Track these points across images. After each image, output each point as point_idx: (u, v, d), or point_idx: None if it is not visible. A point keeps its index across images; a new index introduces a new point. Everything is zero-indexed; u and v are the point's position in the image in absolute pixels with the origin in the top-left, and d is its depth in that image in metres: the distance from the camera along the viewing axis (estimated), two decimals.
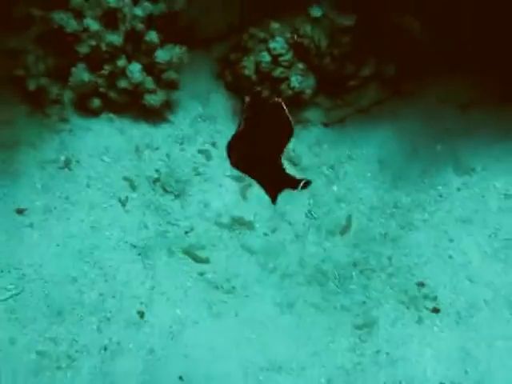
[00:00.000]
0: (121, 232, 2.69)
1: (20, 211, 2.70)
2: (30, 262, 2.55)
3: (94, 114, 3.00)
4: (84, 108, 3.00)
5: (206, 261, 2.63)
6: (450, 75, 2.94)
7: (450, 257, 2.54)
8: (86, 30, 2.62)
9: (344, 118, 3.00)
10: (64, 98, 2.98)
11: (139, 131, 3.02)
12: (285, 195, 2.80)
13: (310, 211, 2.76)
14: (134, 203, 2.78)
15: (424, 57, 2.91)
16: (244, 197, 2.80)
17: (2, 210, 2.71)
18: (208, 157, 2.96)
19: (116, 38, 2.64)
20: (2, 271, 2.51)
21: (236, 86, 3.01)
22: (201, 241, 2.69)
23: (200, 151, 2.99)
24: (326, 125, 3.01)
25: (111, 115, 3.03)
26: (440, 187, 2.72)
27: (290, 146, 2.98)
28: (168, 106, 2.99)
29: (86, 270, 2.56)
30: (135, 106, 3.01)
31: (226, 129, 3.11)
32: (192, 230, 2.72)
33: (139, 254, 2.63)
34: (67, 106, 3.00)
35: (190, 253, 2.64)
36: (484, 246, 2.52)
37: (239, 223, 2.73)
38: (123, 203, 2.76)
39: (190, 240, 2.69)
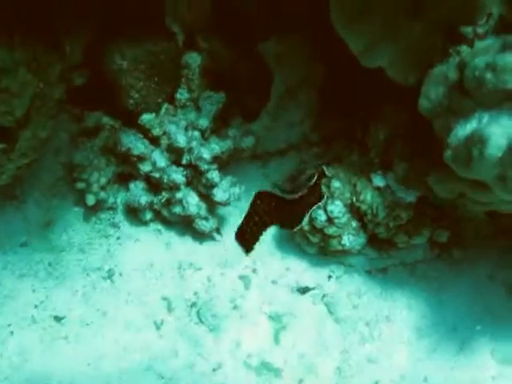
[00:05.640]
0: (151, 358, 2.73)
1: (58, 319, 2.76)
2: (60, 379, 2.60)
3: (144, 223, 3.05)
4: (135, 216, 3.04)
5: None
6: (503, 251, 2.90)
7: None
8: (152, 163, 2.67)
9: (387, 268, 2.98)
10: (118, 204, 3.04)
11: (185, 248, 3.06)
12: (317, 346, 2.81)
13: (338, 368, 2.76)
14: (168, 327, 2.82)
15: (478, 226, 2.88)
16: (277, 340, 2.81)
17: (41, 315, 2.77)
18: (247, 285, 2.98)
19: (180, 178, 2.69)
20: None
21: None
22: (226, 381, 2.71)
23: (240, 277, 3.01)
24: (368, 272, 3.00)
25: (160, 227, 3.08)
26: (475, 370, 2.69)
27: (331, 289, 2.99)
28: (217, 229, 3.01)
29: None
30: (185, 222, 3.05)
31: (268, 255, 3.13)
32: (220, 367, 2.74)
33: None
34: (119, 212, 3.06)
35: None
36: None
37: (267, 368, 2.75)
38: (158, 326, 2.80)
39: (217, 378, 2.72)
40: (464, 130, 1.91)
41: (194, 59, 2.96)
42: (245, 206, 3.19)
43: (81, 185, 2.79)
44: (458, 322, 2.79)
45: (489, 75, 1.76)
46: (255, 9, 3.02)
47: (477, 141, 1.82)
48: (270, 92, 3.21)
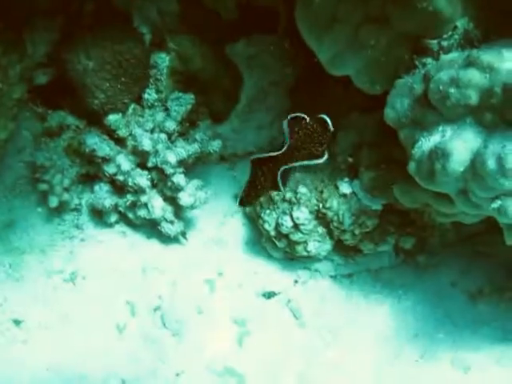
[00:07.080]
0: (113, 362, 2.69)
1: (17, 322, 2.70)
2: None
3: (109, 225, 3.00)
4: (100, 218, 2.99)
5: None
6: (466, 258, 2.92)
7: None
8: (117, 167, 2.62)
9: (352, 274, 2.99)
10: (82, 205, 2.98)
11: (150, 250, 3.03)
12: (281, 351, 2.79)
13: (302, 373, 2.75)
14: (131, 332, 2.79)
15: (443, 233, 2.90)
16: (240, 345, 2.80)
17: None
18: (212, 288, 2.96)
19: (144, 181, 2.65)
20: None
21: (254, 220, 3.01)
22: None
23: (206, 281, 2.98)
24: (334, 277, 3.00)
25: (125, 229, 3.03)
26: (435, 379, 2.70)
27: (297, 294, 2.98)
28: (183, 233, 2.97)
29: None
30: (150, 225, 3.01)
31: (235, 258, 3.11)
32: (183, 372, 2.71)
33: None
34: (83, 213, 3.00)
35: None
36: None
37: (230, 374, 2.73)
38: (120, 330, 2.76)
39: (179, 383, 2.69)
40: (428, 143, 1.91)
41: (162, 59, 2.93)
42: (212, 209, 3.16)
43: (43, 186, 2.73)
44: (419, 328, 2.80)
45: (452, 90, 1.76)
46: (226, 10, 2.97)
47: (440, 155, 1.82)
48: (239, 94, 3.17)
